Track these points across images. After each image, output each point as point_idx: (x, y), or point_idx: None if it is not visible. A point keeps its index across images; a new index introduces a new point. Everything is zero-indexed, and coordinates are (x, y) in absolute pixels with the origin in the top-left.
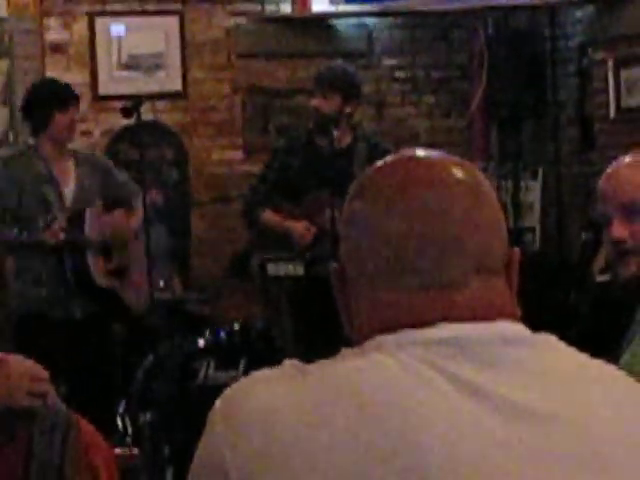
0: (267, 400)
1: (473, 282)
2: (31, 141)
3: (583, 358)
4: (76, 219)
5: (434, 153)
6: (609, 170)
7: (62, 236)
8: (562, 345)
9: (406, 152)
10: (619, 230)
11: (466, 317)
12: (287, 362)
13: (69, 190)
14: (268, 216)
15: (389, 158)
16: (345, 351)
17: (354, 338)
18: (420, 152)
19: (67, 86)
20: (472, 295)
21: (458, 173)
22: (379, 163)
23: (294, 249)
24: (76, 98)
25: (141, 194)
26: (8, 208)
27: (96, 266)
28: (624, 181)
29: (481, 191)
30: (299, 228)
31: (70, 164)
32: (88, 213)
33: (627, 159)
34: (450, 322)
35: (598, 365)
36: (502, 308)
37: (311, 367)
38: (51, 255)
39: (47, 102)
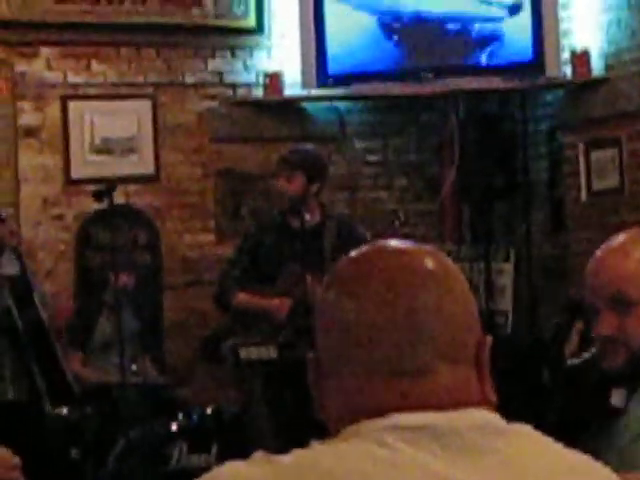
0: None
1: (441, 370)
2: None
3: (557, 449)
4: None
5: (405, 243)
6: (595, 257)
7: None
8: (536, 435)
9: (377, 243)
10: (607, 326)
11: (436, 405)
12: (257, 454)
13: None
14: (242, 297)
15: (360, 249)
16: (315, 443)
17: (329, 426)
18: (390, 242)
19: None
20: (441, 383)
21: (427, 263)
22: (351, 253)
23: (266, 332)
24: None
25: None
26: None
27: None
28: (610, 272)
29: (450, 282)
30: (275, 302)
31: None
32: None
33: (614, 243)
34: (420, 410)
35: (573, 457)
36: (471, 396)
37: (281, 458)
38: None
39: None
